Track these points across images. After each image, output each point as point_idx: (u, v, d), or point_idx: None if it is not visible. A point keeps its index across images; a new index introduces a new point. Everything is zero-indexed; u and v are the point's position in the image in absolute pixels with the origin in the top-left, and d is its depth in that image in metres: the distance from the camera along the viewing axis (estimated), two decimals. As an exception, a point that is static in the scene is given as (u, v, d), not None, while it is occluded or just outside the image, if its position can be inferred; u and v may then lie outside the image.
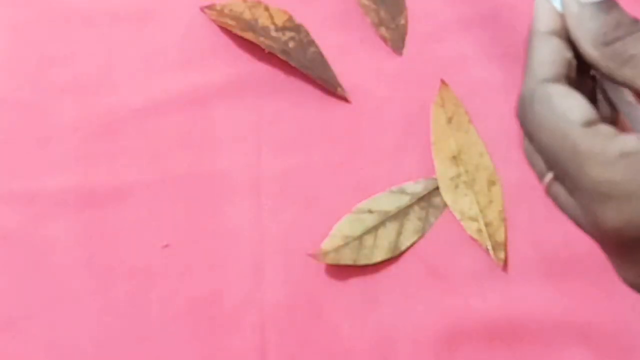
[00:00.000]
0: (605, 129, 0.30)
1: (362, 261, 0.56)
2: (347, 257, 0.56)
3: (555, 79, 0.32)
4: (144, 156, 0.60)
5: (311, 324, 0.55)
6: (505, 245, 0.56)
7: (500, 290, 0.55)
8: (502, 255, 0.56)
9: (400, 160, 0.59)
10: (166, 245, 0.57)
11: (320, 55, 0.62)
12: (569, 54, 0.32)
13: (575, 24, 0.32)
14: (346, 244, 0.56)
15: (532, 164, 0.34)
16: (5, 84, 0.62)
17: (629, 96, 0.33)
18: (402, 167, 0.59)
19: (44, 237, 0.57)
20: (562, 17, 0.33)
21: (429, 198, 0.58)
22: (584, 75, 0.34)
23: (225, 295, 0.55)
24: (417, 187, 0.59)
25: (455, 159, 0.59)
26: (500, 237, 0.56)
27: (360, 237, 0.57)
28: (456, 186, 0.58)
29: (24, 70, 0.63)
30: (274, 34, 0.63)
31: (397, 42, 0.64)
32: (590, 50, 0.31)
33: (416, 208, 0.58)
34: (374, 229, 0.57)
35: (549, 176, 0.32)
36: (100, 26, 0.64)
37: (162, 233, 0.57)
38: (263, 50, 0.62)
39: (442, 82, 0.61)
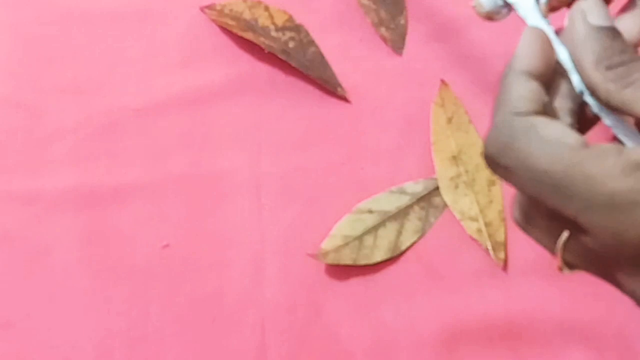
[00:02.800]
0: (604, 146, 0.29)
1: (362, 261, 0.56)
2: (347, 257, 0.56)
3: (536, 113, 0.31)
4: (144, 156, 0.60)
5: (311, 324, 0.55)
6: (505, 245, 0.56)
7: (500, 290, 0.55)
8: (502, 255, 0.56)
9: (400, 160, 0.59)
10: (166, 245, 0.57)
11: (320, 55, 0.62)
12: (546, 99, 0.32)
13: (579, 43, 0.32)
14: (346, 244, 0.56)
15: (534, 236, 0.33)
16: (5, 84, 0.62)
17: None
18: (402, 167, 0.59)
19: (44, 237, 0.57)
20: (546, 59, 0.32)
21: (429, 198, 0.58)
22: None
23: (225, 295, 0.55)
24: (417, 187, 0.59)
25: (455, 159, 0.59)
26: (500, 237, 0.56)
27: (360, 237, 0.57)
28: (456, 186, 0.58)
29: (24, 70, 0.63)
30: (274, 34, 0.63)
31: (397, 42, 0.64)
32: (591, 72, 0.31)
33: (416, 208, 0.58)
34: (374, 229, 0.57)
35: (562, 238, 0.31)
36: (100, 26, 0.64)
37: (162, 233, 0.57)
38: (263, 50, 0.62)
39: (442, 82, 0.61)
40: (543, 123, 0.30)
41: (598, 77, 0.31)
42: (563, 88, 0.33)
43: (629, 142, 0.32)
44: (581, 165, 0.29)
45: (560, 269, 0.32)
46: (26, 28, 0.64)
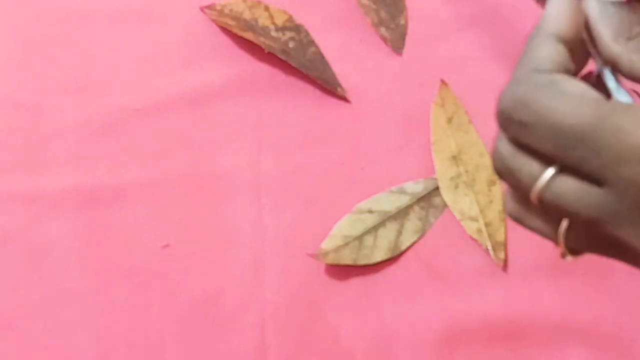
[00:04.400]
0: (624, 113, 0.28)
1: (362, 261, 0.56)
2: (347, 257, 0.56)
3: (557, 72, 0.30)
4: (144, 156, 0.60)
5: (311, 324, 0.55)
6: (505, 245, 0.56)
7: (500, 290, 0.55)
8: (502, 255, 0.56)
9: (400, 160, 0.59)
10: (166, 245, 0.57)
11: (320, 55, 0.62)
12: (571, 65, 0.31)
13: (597, 19, 0.31)
14: (346, 244, 0.56)
15: (514, 169, 0.30)
16: (5, 84, 0.62)
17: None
18: (402, 167, 0.59)
19: (44, 237, 0.57)
20: (576, 26, 0.32)
21: (429, 198, 0.58)
22: None
23: (225, 295, 0.55)
24: (417, 187, 0.59)
25: (455, 159, 0.59)
26: (500, 237, 0.56)
27: (360, 237, 0.57)
28: (456, 186, 0.58)
29: (24, 70, 0.63)
30: (274, 34, 0.63)
31: (397, 42, 0.64)
32: (612, 45, 0.31)
33: (416, 208, 0.58)
34: (374, 229, 0.57)
35: (550, 172, 0.29)
36: (100, 26, 0.64)
37: (162, 233, 0.57)
38: (263, 50, 0.62)
39: (442, 82, 0.61)
40: (565, 79, 0.29)
41: (619, 50, 0.31)
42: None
43: None
44: (611, 117, 0.28)
45: (564, 256, 0.32)
46: (26, 28, 0.64)
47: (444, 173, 0.58)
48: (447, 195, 0.58)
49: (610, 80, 0.32)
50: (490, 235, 0.56)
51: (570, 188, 0.29)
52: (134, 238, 0.57)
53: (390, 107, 0.61)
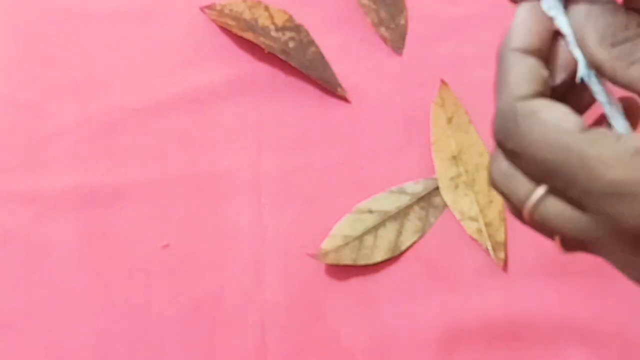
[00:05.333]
0: (602, 131, 0.29)
1: (362, 261, 0.56)
2: (347, 257, 0.56)
3: (536, 95, 0.31)
4: (144, 156, 0.60)
5: (311, 324, 0.55)
6: (505, 245, 0.56)
7: (500, 290, 0.55)
8: (502, 255, 0.56)
9: (400, 160, 0.59)
10: (166, 245, 0.57)
11: (320, 55, 0.62)
12: (545, 73, 0.31)
13: (581, 21, 0.31)
14: (346, 244, 0.56)
15: (508, 188, 0.32)
16: (5, 84, 0.62)
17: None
18: (402, 167, 0.59)
19: (44, 237, 0.57)
20: (540, 33, 0.32)
21: (429, 198, 0.58)
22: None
23: (225, 295, 0.55)
24: (417, 187, 0.59)
25: (455, 159, 0.59)
26: (500, 237, 0.56)
27: (360, 237, 0.57)
28: (456, 186, 0.58)
29: (24, 70, 0.63)
30: (274, 34, 0.63)
31: (397, 42, 0.64)
32: (596, 50, 0.31)
33: (416, 208, 0.58)
34: (374, 229, 0.57)
35: (539, 192, 0.31)
36: (100, 26, 0.64)
37: (162, 233, 0.57)
38: (263, 50, 0.62)
39: (442, 82, 0.61)
40: (543, 107, 0.30)
41: (603, 55, 0.30)
42: (559, 59, 0.33)
43: (617, 126, 0.32)
44: (579, 151, 0.29)
45: (562, 250, 0.32)
46: (26, 28, 0.64)
47: (444, 173, 0.58)
48: (447, 195, 0.58)
49: (594, 84, 0.32)
50: (490, 235, 0.56)
51: (557, 210, 0.30)
52: (134, 238, 0.57)
53: (390, 107, 0.61)
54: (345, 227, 0.57)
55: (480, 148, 0.59)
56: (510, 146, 0.31)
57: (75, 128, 0.61)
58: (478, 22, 0.64)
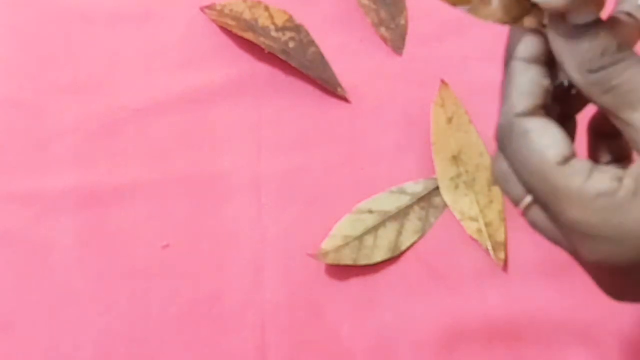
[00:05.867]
0: (581, 165, 0.31)
1: (362, 261, 0.56)
2: (347, 257, 0.56)
3: (533, 112, 0.32)
4: (144, 156, 0.60)
5: (311, 324, 0.55)
6: (505, 245, 0.56)
7: (500, 290, 0.55)
8: (502, 255, 0.56)
9: (400, 160, 0.59)
10: (166, 245, 0.57)
11: (320, 55, 0.62)
12: (546, 82, 0.33)
13: (560, 48, 0.32)
14: (346, 244, 0.56)
15: (506, 187, 0.34)
16: (5, 84, 0.62)
17: None
18: (402, 167, 0.59)
19: (44, 237, 0.57)
20: (541, 41, 0.33)
21: (429, 198, 0.58)
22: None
23: (225, 295, 0.55)
24: (417, 187, 0.59)
25: (455, 159, 0.59)
26: (500, 237, 0.56)
27: (360, 237, 0.57)
28: (456, 186, 0.58)
29: (24, 70, 0.63)
30: (274, 34, 0.63)
31: (397, 42, 0.64)
32: (575, 75, 0.31)
33: (416, 208, 0.58)
34: (374, 229, 0.57)
35: (527, 199, 0.33)
36: (100, 26, 0.64)
37: (162, 233, 0.57)
38: (263, 50, 0.62)
39: (442, 82, 0.61)
40: (536, 129, 0.32)
41: (581, 81, 0.31)
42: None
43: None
44: (553, 184, 0.31)
45: None
46: (26, 28, 0.64)
47: (444, 173, 0.58)
48: (447, 195, 0.58)
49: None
50: (490, 235, 0.56)
51: (540, 219, 0.33)
52: (134, 238, 0.57)
53: (390, 107, 0.61)
54: (345, 227, 0.57)
55: (480, 148, 0.59)
56: (506, 155, 0.33)
57: (75, 128, 0.61)
58: (478, 22, 0.64)
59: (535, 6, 0.32)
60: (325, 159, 0.59)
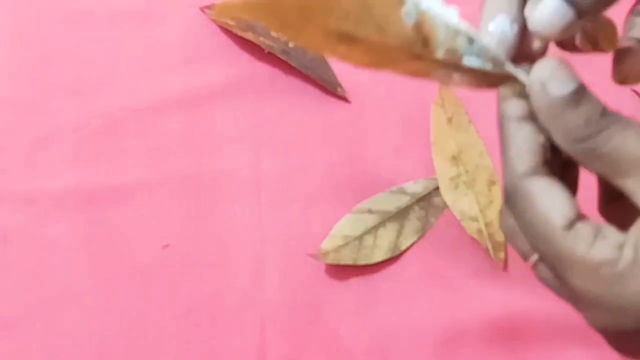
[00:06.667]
0: (585, 231, 0.30)
1: (362, 261, 0.56)
2: (347, 257, 0.56)
3: (534, 171, 0.32)
4: (144, 156, 0.60)
5: (311, 324, 0.55)
6: (505, 245, 0.56)
7: (500, 290, 0.55)
8: (502, 255, 0.56)
9: (400, 160, 0.59)
10: (166, 245, 0.57)
11: (320, 55, 0.62)
12: (541, 138, 0.32)
13: (544, 119, 0.31)
14: (346, 244, 0.56)
15: (514, 242, 0.34)
16: (5, 84, 0.62)
17: None
18: (402, 167, 0.59)
19: (44, 237, 0.57)
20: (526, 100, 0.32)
21: (429, 198, 0.58)
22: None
23: (225, 295, 0.55)
24: (417, 187, 0.59)
25: (455, 159, 0.59)
26: (500, 237, 0.56)
27: (360, 237, 0.57)
28: (456, 186, 0.58)
29: (24, 70, 0.63)
30: (274, 34, 0.63)
31: (397, 42, 0.63)
32: (563, 145, 0.31)
33: (416, 208, 0.58)
34: (374, 229, 0.57)
35: (535, 257, 0.33)
36: (100, 26, 0.64)
37: (162, 233, 0.57)
38: (263, 50, 0.62)
39: (442, 82, 0.61)
40: (539, 192, 0.31)
41: (569, 149, 0.31)
42: None
43: None
44: (558, 249, 0.31)
45: None
46: (26, 28, 0.64)
47: (444, 173, 0.58)
48: (447, 195, 0.58)
49: None
50: (490, 235, 0.56)
51: (547, 276, 0.33)
52: (134, 238, 0.57)
53: (390, 107, 0.61)
54: (345, 227, 0.57)
55: (480, 148, 0.59)
56: (513, 214, 0.33)
57: (75, 128, 0.61)
58: (478, 22, 0.64)
59: (510, 77, 0.32)
60: (325, 159, 0.59)
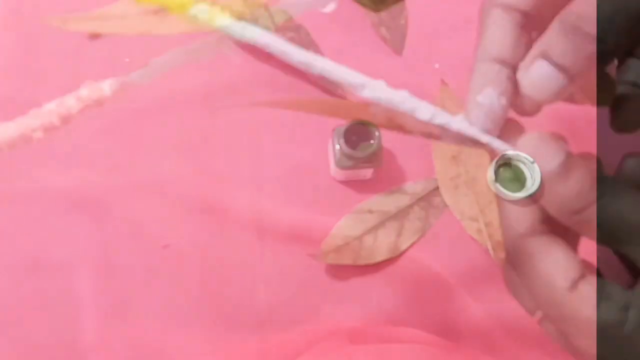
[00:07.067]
0: (589, 291, 0.30)
1: (362, 261, 0.56)
2: (347, 257, 0.56)
3: (534, 230, 0.32)
4: (144, 156, 0.60)
5: (311, 324, 0.55)
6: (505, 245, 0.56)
7: (500, 290, 0.55)
8: (502, 255, 0.56)
9: (400, 160, 0.59)
10: (166, 245, 0.57)
11: (320, 55, 0.62)
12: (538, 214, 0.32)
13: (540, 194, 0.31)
14: (346, 244, 0.56)
15: (518, 298, 0.34)
16: (5, 84, 0.62)
17: None
18: (402, 167, 0.59)
19: (43, 237, 0.57)
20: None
21: (429, 198, 0.58)
22: None
23: (225, 296, 0.55)
24: (417, 187, 0.59)
25: (455, 159, 0.59)
26: (500, 237, 0.56)
27: (360, 237, 0.57)
28: (456, 186, 0.58)
29: (24, 70, 0.62)
30: (274, 34, 0.63)
31: (397, 42, 0.64)
32: (559, 217, 0.31)
33: (416, 208, 0.58)
34: (374, 229, 0.57)
35: (539, 314, 0.33)
36: (100, 26, 0.64)
37: (162, 233, 0.57)
38: (263, 50, 0.62)
39: (442, 82, 0.61)
40: (540, 251, 0.31)
41: (567, 222, 0.31)
42: None
43: None
44: (563, 310, 0.31)
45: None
46: (26, 28, 0.64)
47: (444, 173, 0.58)
48: (447, 195, 0.58)
49: None
50: (490, 235, 0.56)
51: (552, 331, 0.33)
52: (134, 238, 0.57)
53: (390, 107, 0.61)
54: (345, 227, 0.57)
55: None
56: (515, 272, 0.33)
57: (75, 128, 0.60)
58: (478, 22, 0.64)
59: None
60: (326, 159, 0.59)
